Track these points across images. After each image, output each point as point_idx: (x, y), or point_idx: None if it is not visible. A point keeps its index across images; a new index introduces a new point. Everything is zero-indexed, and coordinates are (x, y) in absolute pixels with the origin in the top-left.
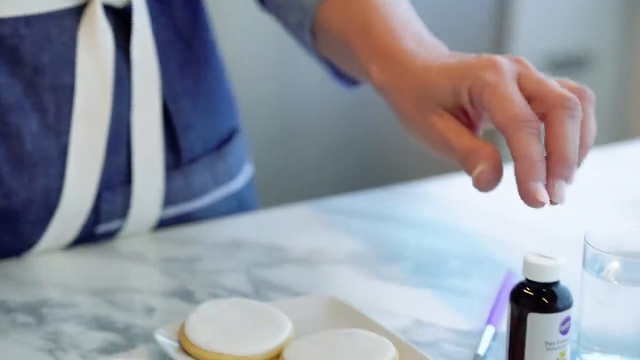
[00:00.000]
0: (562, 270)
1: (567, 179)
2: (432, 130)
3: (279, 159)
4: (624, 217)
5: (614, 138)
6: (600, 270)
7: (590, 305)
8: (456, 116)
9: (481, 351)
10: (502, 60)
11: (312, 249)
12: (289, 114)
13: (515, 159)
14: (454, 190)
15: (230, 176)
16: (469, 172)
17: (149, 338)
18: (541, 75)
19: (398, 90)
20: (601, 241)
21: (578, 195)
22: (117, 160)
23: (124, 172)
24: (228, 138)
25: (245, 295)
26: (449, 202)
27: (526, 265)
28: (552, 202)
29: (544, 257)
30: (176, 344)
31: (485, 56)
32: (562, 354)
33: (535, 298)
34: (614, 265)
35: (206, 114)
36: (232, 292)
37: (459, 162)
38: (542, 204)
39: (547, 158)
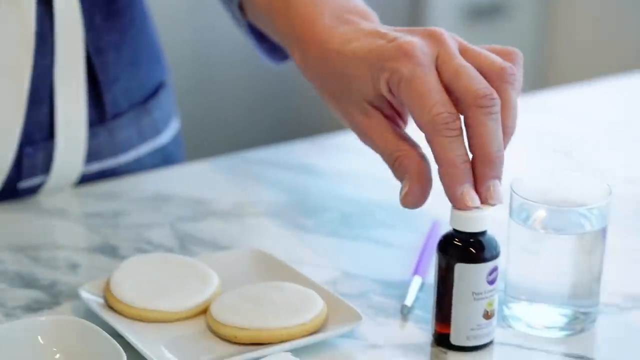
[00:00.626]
0: (489, 220)
1: (498, 177)
2: (357, 127)
3: (200, 110)
4: (549, 165)
5: (535, 85)
6: (527, 219)
7: (517, 255)
8: (380, 107)
9: (408, 302)
10: (418, 45)
11: (237, 201)
12: (210, 64)
13: (437, 163)
14: None
15: (157, 131)
16: (396, 178)
17: (73, 295)
18: (458, 61)
19: (317, 80)
20: (527, 190)
21: None
22: (39, 115)
23: (46, 127)
24: (154, 92)
25: (170, 249)
26: (373, 152)
27: (453, 215)
28: (489, 204)
29: None
30: (101, 300)
31: (401, 41)
32: (490, 304)
33: (462, 248)
34: (540, 213)
35: (131, 67)
36: (157, 247)
37: (385, 162)
38: (472, 208)
39: (472, 158)
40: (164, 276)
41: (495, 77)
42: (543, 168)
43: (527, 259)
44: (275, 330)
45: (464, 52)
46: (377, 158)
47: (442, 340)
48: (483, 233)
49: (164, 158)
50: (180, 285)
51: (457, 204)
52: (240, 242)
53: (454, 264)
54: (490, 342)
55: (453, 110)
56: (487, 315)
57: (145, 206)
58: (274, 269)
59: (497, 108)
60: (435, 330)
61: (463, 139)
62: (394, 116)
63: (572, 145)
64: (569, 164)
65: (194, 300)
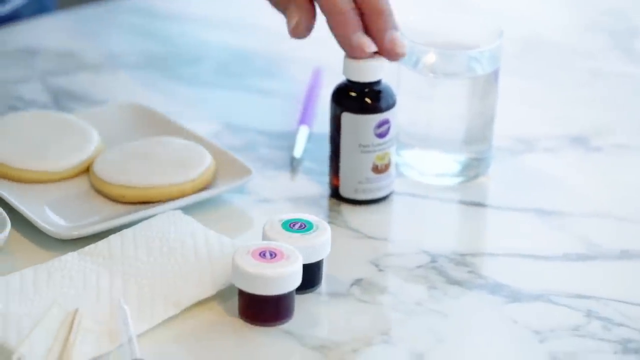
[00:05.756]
0: (383, 70)
1: (395, 27)
2: None
3: None
4: (435, 6)
5: None
6: (416, 63)
7: (408, 100)
8: None
9: (297, 153)
10: None
11: (108, 53)
12: None
13: (326, 13)
14: None
15: None
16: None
17: None
18: None
19: None
20: (415, 33)
21: None
22: None
23: None
24: None
25: (44, 106)
26: None
27: (346, 64)
28: (395, 53)
29: None
30: None
31: None
32: (380, 158)
33: (351, 98)
34: (430, 57)
35: None
36: (30, 104)
37: None
38: (370, 54)
39: (364, 14)
40: (41, 134)
41: None
42: (430, 9)
43: (418, 104)
44: (164, 187)
45: None
46: (250, 2)
47: (335, 192)
48: (377, 83)
49: (41, 8)
50: (59, 144)
51: (354, 52)
52: (116, 95)
53: (341, 114)
54: (385, 197)
55: None
56: (377, 170)
57: (13, 61)
58: (156, 123)
59: None
60: (331, 182)
61: None
62: None
63: None
64: (451, 3)
65: (76, 159)
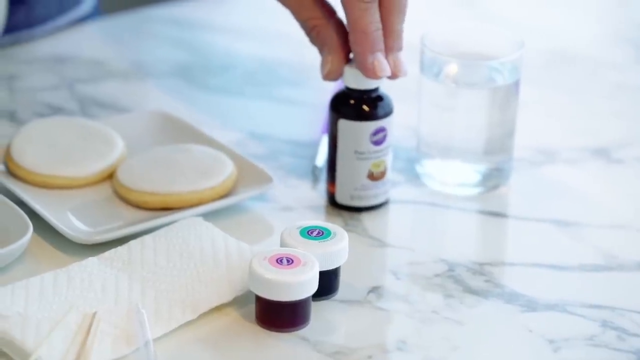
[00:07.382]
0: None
1: (400, 49)
2: None
3: None
4: (455, 17)
5: None
6: (438, 73)
7: (429, 111)
8: None
9: (319, 162)
10: None
11: (136, 61)
12: None
13: (349, 30)
14: None
15: (77, 1)
16: (312, 44)
17: None
18: None
19: None
20: (437, 44)
21: None
22: None
23: None
24: None
25: (71, 113)
26: (274, 7)
27: (345, 72)
28: (396, 76)
29: None
30: (2, 167)
31: None
32: (376, 166)
33: (347, 105)
34: (452, 68)
35: None
36: (57, 111)
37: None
38: (380, 77)
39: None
40: (66, 140)
41: None
42: (451, 21)
43: (440, 114)
44: (186, 194)
45: None
46: (278, 13)
47: (331, 199)
48: (374, 90)
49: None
50: (83, 150)
51: (368, 72)
52: (143, 104)
53: (338, 121)
54: (381, 205)
55: None
56: (373, 177)
57: (41, 68)
58: (179, 131)
59: None
60: (327, 189)
61: (377, 6)
62: None
63: None
64: (475, 15)
65: (99, 165)
